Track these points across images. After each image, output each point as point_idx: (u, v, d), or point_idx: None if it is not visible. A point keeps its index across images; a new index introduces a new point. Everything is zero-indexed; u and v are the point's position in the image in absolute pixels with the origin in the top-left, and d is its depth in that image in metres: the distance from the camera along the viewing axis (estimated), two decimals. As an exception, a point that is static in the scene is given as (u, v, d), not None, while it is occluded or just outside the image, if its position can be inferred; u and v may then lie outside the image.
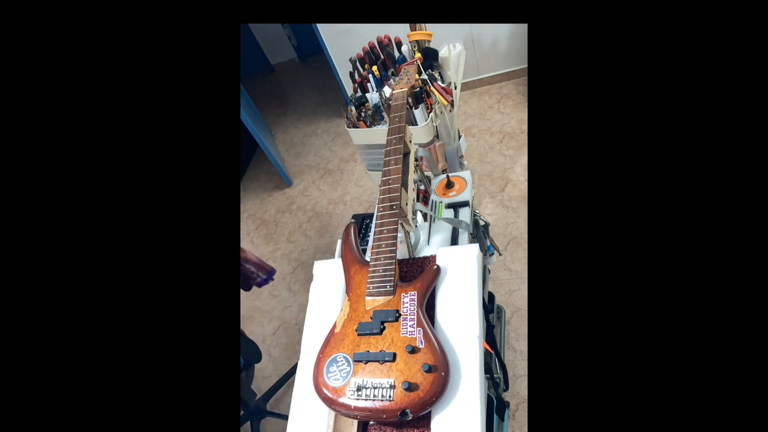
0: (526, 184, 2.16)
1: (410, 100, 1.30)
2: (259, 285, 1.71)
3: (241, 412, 1.73)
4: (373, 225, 1.09)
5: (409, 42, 1.38)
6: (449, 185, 1.17)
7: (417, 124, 1.35)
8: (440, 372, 0.69)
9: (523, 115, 2.51)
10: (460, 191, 1.14)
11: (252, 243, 2.66)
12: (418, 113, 1.33)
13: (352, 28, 2.57)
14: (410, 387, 0.68)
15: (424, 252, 0.99)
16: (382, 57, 1.37)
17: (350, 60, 1.36)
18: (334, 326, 0.82)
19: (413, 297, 0.79)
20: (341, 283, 0.91)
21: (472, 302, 0.79)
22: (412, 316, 0.76)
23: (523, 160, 2.27)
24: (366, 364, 0.74)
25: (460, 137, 1.58)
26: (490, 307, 1.43)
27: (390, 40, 1.36)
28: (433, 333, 0.74)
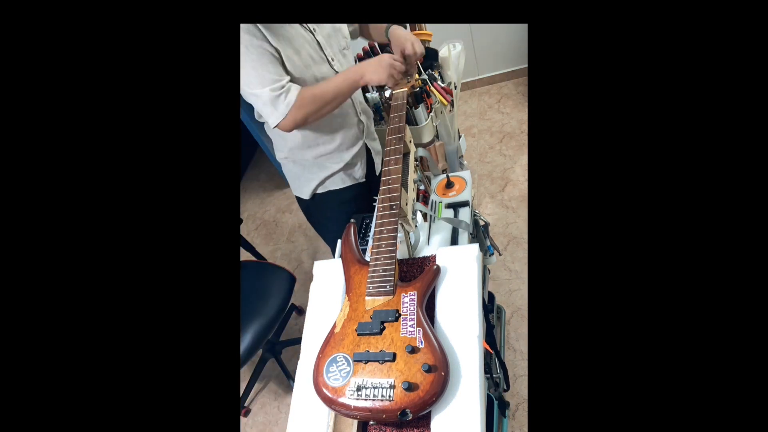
0: (526, 184, 2.16)
1: (410, 100, 1.30)
2: None
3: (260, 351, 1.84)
4: (373, 225, 1.09)
5: (409, 42, 1.38)
6: (449, 185, 1.17)
7: (417, 124, 1.35)
8: (440, 372, 0.69)
9: (523, 115, 2.51)
10: (460, 191, 1.14)
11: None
12: (418, 113, 1.33)
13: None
14: (410, 387, 0.68)
15: (424, 252, 0.99)
16: (382, 57, 1.37)
17: (350, 60, 1.36)
18: (334, 326, 0.82)
19: (413, 297, 0.79)
20: (341, 283, 0.91)
21: (472, 302, 0.79)
22: (412, 316, 0.76)
23: (523, 160, 2.27)
24: (366, 364, 0.74)
25: (460, 137, 1.58)
26: (490, 307, 1.43)
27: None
28: (433, 333, 0.74)
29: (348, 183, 1.29)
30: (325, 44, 1.08)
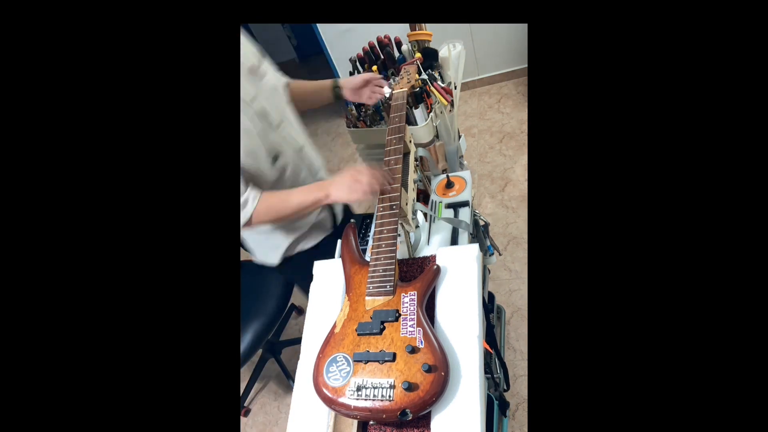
0: (526, 184, 2.16)
1: (410, 100, 1.30)
2: None
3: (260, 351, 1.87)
4: (373, 225, 1.09)
5: (409, 42, 1.38)
6: (449, 185, 1.17)
7: (417, 124, 1.34)
8: (440, 372, 0.69)
9: (523, 115, 2.51)
10: (460, 191, 1.14)
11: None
12: (418, 113, 1.32)
13: (352, 28, 2.57)
14: (410, 387, 0.68)
15: (424, 252, 0.99)
16: (382, 57, 1.37)
17: (350, 60, 1.36)
18: (334, 326, 0.82)
19: (413, 297, 0.79)
20: (341, 283, 0.91)
21: (472, 302, 0.79)
22: (412, 316, 0.76)
23: (523, 160, 2.27)
24: (366, 364, 0.74)
25: (460, 137, 1.58)
26: (490, 307, 1.43)
27: (390, 40, 1.36)
28: (433, 333, 0.74)
29: (320, 238, 1.19)
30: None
